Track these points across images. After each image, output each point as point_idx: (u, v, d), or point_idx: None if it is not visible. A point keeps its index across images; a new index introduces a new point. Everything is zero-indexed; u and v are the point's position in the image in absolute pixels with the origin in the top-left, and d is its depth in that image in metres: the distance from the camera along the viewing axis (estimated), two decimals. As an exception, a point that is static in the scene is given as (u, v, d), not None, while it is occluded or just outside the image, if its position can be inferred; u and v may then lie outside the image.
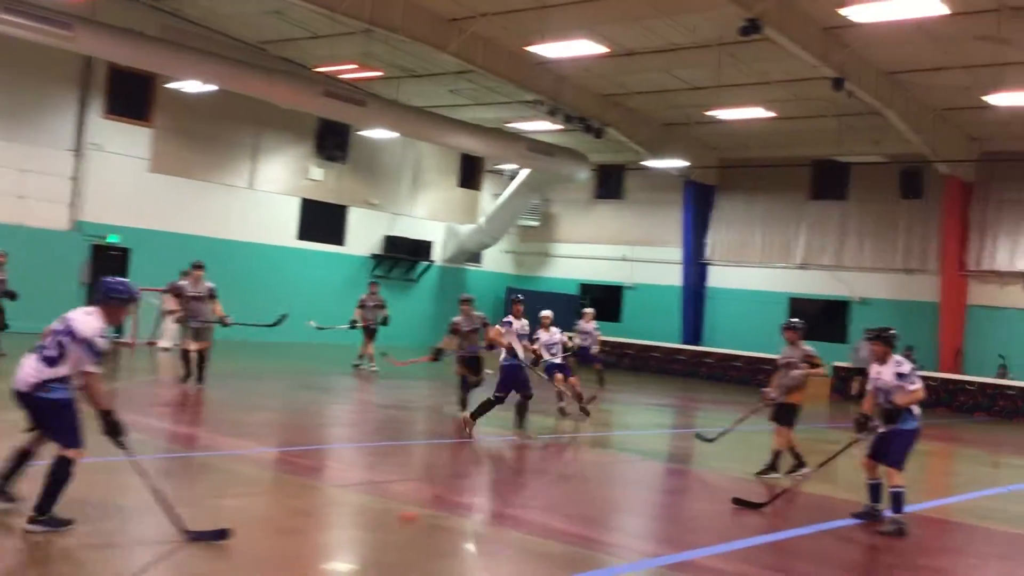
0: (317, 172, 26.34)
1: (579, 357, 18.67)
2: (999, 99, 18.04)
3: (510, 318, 12.40)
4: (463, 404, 12.65)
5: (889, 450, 8.12)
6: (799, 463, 10.29)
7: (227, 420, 11.62)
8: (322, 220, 26.65)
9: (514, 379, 11.65)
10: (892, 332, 8.44)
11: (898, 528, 7.88)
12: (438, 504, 7.84)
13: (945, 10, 14.36)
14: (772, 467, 10.39)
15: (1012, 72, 17.89)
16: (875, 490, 8.39)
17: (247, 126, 24.47)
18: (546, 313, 14.80)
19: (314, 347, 22.49)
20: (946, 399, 22.32)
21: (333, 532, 7.01)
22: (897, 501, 7.99)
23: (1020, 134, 22.25)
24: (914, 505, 9.59)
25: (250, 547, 6.16)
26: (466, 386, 12.89)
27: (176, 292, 14.39)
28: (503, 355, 11.78)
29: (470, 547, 6.92)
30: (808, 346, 10.59)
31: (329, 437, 11.56)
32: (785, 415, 10.49)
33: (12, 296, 15.41)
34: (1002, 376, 21.93)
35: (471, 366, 13.02)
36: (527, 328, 12.73)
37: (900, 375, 8.08)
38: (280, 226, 25.58)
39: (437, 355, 13.51)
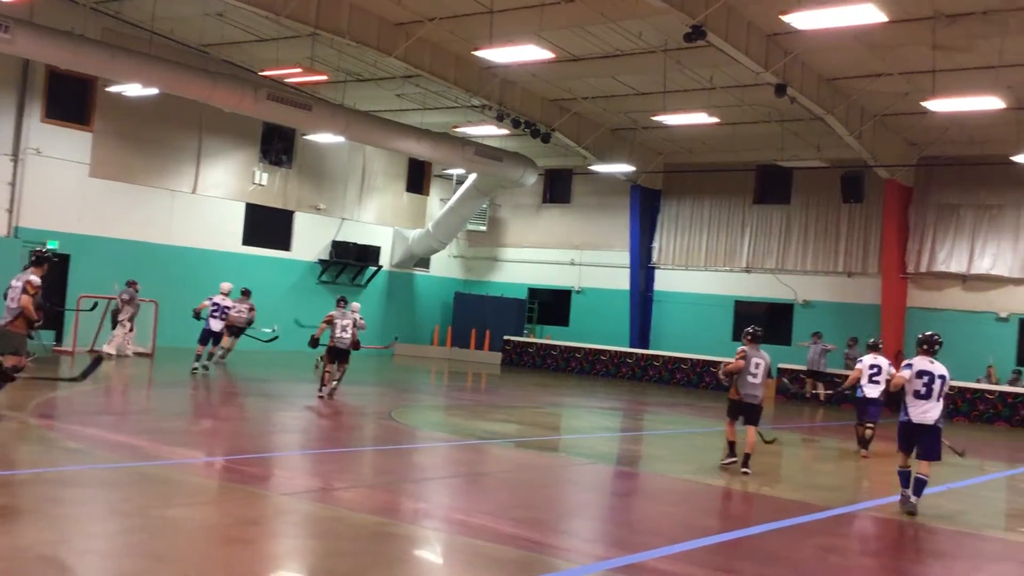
0: (262, 177, 26.06)
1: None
2: (937, 105, 18.46)
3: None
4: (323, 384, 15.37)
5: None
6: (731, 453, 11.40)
7: (171, 429, 11.42)
8: (268, 225, 26.37)
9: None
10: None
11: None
12: (388, 511, 7.79)
13: (883, 18, 14.64)
14: (747, 464, 11.17)
15: (948, 78, 18.33)
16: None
17: (190, 130, 24.13)
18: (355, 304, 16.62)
19: (262, 354, 22.22)
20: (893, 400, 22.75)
21: (281, 541, 6.92)
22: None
23: (957, 139, 22.82)
24: (859, 504, 9.77)
25: (196, 557, 6.06)
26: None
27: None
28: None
29: (421, 554, 6.89)
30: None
31: (276, 445, 11.42)
32: (758, 415, 11.56)
33: None
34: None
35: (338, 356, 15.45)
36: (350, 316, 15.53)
37: None
38: (225, 231, 25.25)
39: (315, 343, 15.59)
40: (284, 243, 26.97)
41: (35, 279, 10.59)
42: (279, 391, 17.06)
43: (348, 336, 15.32)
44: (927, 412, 9.35)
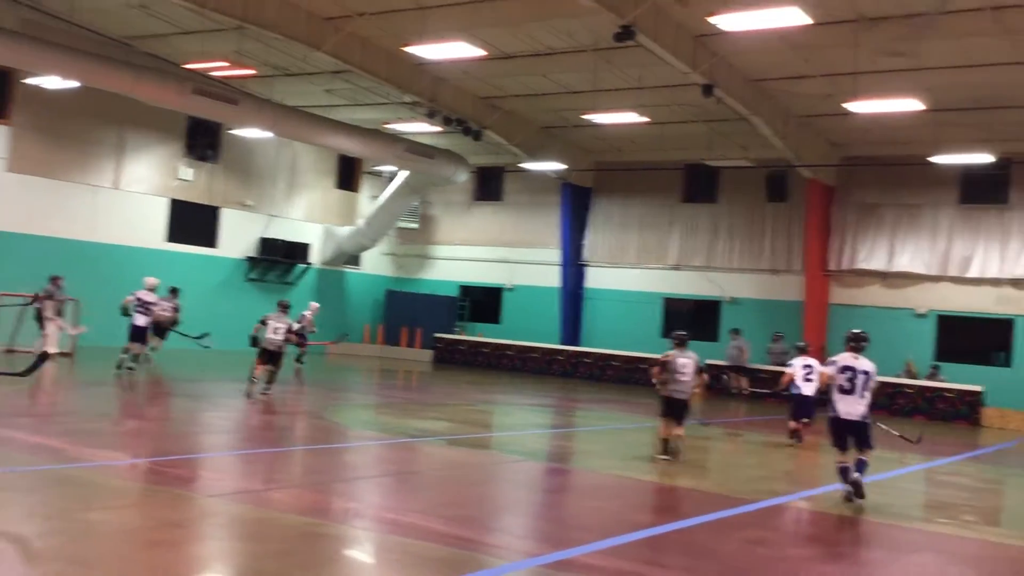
0: (187, 172, 25.56)
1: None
2: (858, 106, 18.94)
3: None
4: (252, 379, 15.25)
5: None
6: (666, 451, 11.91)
7: (93, 430, 11.13)
8: (193, 221, 25.87)
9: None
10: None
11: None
12: (317, 511, 7.71)
13: (808, 20, 14.98)
14: (666, 451, 11.84)
15: (870, 80, 18.81)
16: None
17: (112, 124, 23.55)
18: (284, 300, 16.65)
19: (185, 353, 21.78)
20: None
21: (207, 543, 6.79)
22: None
23: (878, 140, 23.45)
24: (784, 496, 9.97)
25: (119, 561, 5.91)
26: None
27: None
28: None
29: (351, 554, 6.83)
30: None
31: (203, 445, 11.21)
32: (684, 411, 12.11)
33: None
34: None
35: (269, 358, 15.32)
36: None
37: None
38: (148, 228, 24.70)
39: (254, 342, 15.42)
40: (210, 240, 26.48)
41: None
42: (207, 391, 16.75)
43: (278, 338, 15.16)
44: (852, 407, 9.65)
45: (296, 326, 15.62)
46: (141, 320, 17.44)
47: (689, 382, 11.90)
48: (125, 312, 17.49)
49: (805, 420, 14.56)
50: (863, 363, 9.72)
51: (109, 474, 8.68)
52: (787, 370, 14.27)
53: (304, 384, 19.49)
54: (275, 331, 15.15)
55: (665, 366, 11.91)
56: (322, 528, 7.11)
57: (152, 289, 17.92)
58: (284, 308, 15.79)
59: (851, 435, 9.74)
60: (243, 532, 7.04)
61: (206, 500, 7.93)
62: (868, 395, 9.70)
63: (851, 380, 9.66)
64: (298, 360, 21.98)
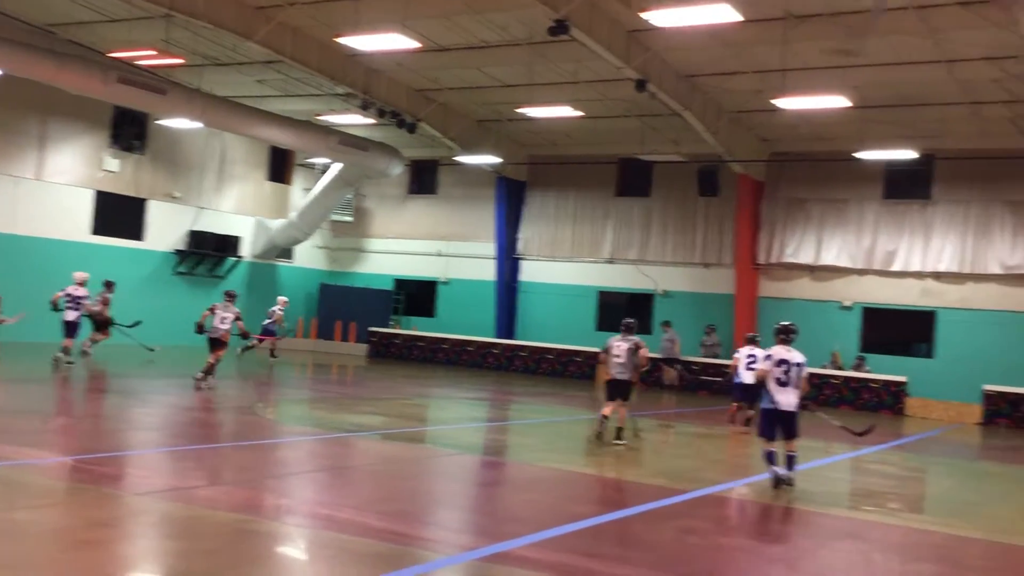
0: (113, 163, 24.94)
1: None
2: (787, 103, 19.28)
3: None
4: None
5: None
6: (619, 435, 12.65)
7: (15, 428, 10.80)
8: (119, 213, 25.27)
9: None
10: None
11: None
12: (249, 508, 7.59)
13: (738, 17, 15.19)
14: (619, 436, 12.61)
15: (798, 77, 19.17)
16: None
17: (34, 113, 22.87)
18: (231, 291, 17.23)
19: (124, 349, 21.28)
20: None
21: (136, 542, 6.65)
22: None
23: (806, 136, 23.92)
24: (715, 486, 10.13)
25: (44, 562, 5.75)
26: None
27: None
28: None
29: (284, 550, 6.74)
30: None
31: (129, 443, 10.96)
32: (626, 390, 12.96)
33: None
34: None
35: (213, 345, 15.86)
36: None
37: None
38: (72, 220, 24.05)
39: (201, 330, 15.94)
40: (136, 232, 25.90)
41: None
42: (136, 387, 16.39)
43: (223, 327, 15.70)
44: (789, 398, 9.96)
45: (266, 321, 16.05)
46: (71, 315, 17.47)
47: (625, 363, 12.81)
48: (55, 307, 17.40)
49: (749, 407, 15.31)
50: (795, 355, 10.02)
51: (34, 473, 8.44)
52: (733, 359, 15.74)
53: (238, 379, 19.19)
54: (222, 320, 15.65)
55: (607, 350, 13.01)
56: (254, 525, 7.01)
57: (82, 283, 17.80)
58: (231, 297, 16.29)
59: (781, 425, 10.01)
60: (172, 530, 6.90)
61: (134, 498, 7.76)
62: (800, 386, 9.99)
63: (787, 372, 9.94)
64: (243, 350, 22.50)
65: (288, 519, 7.45)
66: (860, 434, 11.98)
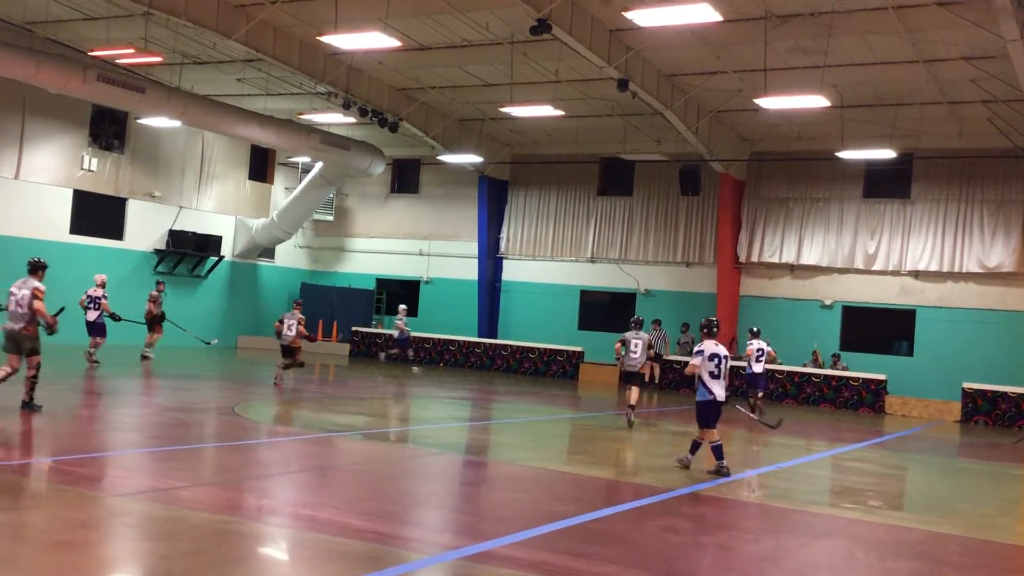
0: (92, 162, 24.76)
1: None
2: (767, 102, 19.37)
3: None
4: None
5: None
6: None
7: (-8, 430, 10.70)
8: (98, 213, 25.09)
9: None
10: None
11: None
12: (230, 508, 7.55)
13: (718, 17, 15.25)
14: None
15: (779, 77, 19.26)
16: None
17: (12, 112, 22.68)
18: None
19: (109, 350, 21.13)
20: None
21: (116, 544, 6.60)
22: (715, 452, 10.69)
23: (787, 135, 24.04)
24: (697, 485, 10.16)
25: (22, 563, 5.70)
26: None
27: None
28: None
29: (266, 551, 6.71)
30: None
31: (109, 443, 10.88)
32: (640, 379, 15.37)
33: None
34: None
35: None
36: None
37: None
38: (51, 219, 23.86)
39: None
40: (116, 232, 25.72)
41: (41, 285, 11.72)
42: (117, 387, 16.28)
43: (291, 334, 17.21)
44: (723, 390, 10.59)
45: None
46: (92, 315, 18.79)
47: (639, 357, 14.76)
48: (85, 308, 18.78)
49: (760, 393, 18.17)
50: (722, 349, 10.67)
51: (9, 474, 8.36)
52: (748, 349, 18.05)
53: (222, 380, 19.10)
54: (289, 327, 17.32)
55: (624, 343, 14.75)
56: (235, 526, 6.97)
57: (101, 285, 18.95)
58: (297, 305, 17.91)
59: (716, 415, 10.67)
60: (152, 531, 6.85)
61: (114, 499, 7.71)
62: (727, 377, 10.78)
63: (718, 366, 10.55)
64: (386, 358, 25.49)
65: (270, 520, 7.41)
66: (773, 427, 13.51)
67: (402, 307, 25.16)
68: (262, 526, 7.19)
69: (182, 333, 22.05)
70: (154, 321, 20.48)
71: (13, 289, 11.71)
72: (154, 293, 20.67)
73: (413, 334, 28.64)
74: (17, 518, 6.84)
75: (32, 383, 11.51)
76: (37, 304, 11.45)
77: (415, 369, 24.62)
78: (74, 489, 7.93)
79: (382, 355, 25.91)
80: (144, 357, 20.16)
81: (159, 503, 7.55)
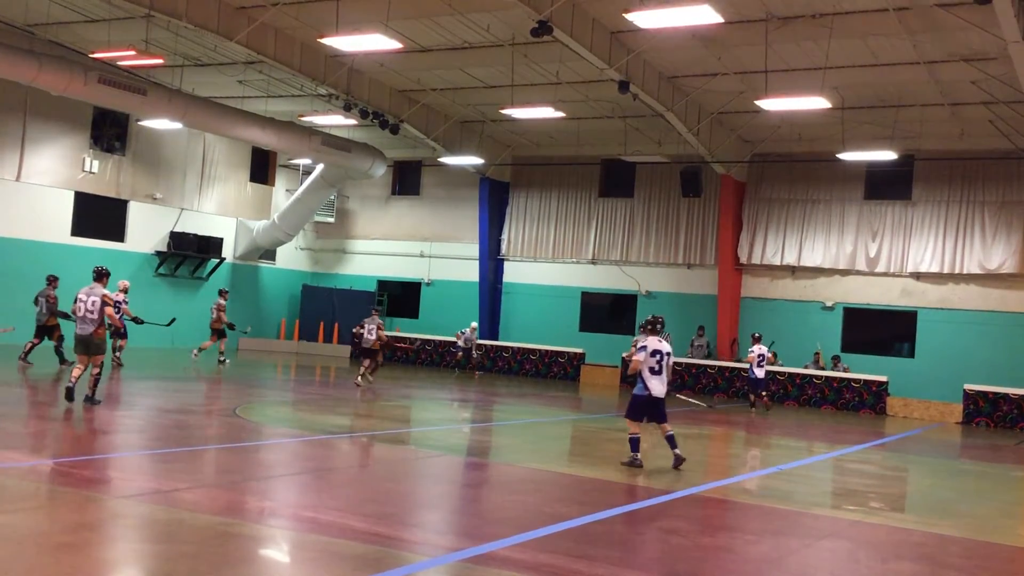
0: (93, 164, 24.78)
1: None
2: (768, 104, 19.37)
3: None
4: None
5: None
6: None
7: (-6, 432, 10.70)
8: (99, 215, 25.11)
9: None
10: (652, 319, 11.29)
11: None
12: (232, 510, 7.55)
13: (719, 19, 15.25)
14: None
15: (779, 78, 19.26)
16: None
17: (14, 114, 22.71)
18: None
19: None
20: (723, 386, 23.83)
21: (117, 545, 6.60)
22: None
23: (787, 137, 24.03)
24: (698, 486, 10.16)
25: (24, 566, 5.70)
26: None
27: None
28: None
29: (267, 553, 6.71)
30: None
31: (111, 445, 10.89)
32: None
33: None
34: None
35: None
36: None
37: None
38: (52, 221, 23.89)
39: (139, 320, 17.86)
40: (118, 234, 25.74)
41: (110, 292, 12.83)
42: (119, 389, 16.27)
43: (372, 338, 18.86)
44: (662, 386, 10.71)
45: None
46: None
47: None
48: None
49: (764, 394, 20.37)
50: (665, 345, 10.84)
51: (11, 476, 8.36)
52: (750, 355, 19.91)
53: (220, 380, 19.11)
54: (369, 331, 19.01)
55: (636, 344, 14.92)
56: (236, 528, 6.97)
57: (124, 290, 19.12)
58: (377, 311, 20.02)
59: (651, 411, 10.81)
60: (154, 533, 6.85)
61: (115, 501, 7.71)
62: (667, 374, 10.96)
63: (660, 362, 10.72)
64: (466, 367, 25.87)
65: (271, 521, 7.41)
66: (711, 407, 13.61)
67: (473, 324, 26.14)
68: (263, 528, 7.19)
69: (182, 334, 22.07)
70: (220, 329, 21.45)
71: (81, 296, 12.61)
72: (221, 302, 21.73)
73: (413, 335, 28.70)
74: (19, 520, 6.84)
75: (96, 380, 12.71)
76: (108, 310, 12.61)
77: (477, 373, 25.73)
78: (75, 491, 7.93)
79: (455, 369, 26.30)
80: (220, 362, 21.37)
81: (161, 505, 7.55)
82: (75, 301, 12.65)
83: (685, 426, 16.53)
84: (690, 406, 16.74)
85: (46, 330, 17.98)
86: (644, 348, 10.77)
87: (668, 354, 10.88)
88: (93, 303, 12.50)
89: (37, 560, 5.92)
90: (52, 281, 18.13)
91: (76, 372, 12.66)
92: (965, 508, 10.50)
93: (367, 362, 19.11)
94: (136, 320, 19.00)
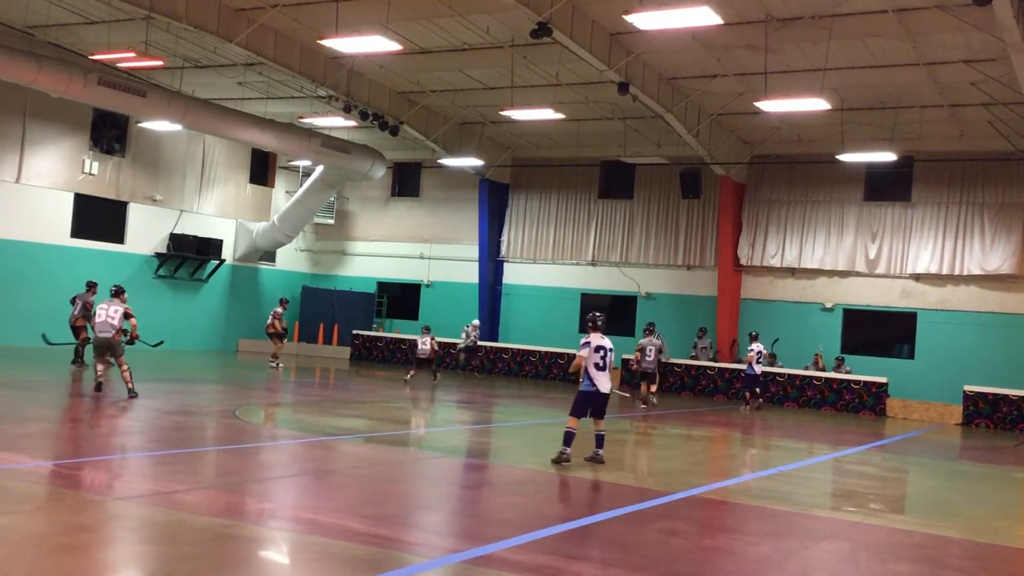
0: (93, 166, 24.78)
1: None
2: (768, 105, 19.37)
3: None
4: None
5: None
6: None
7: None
8: (99, 217, 25.11)
9: None
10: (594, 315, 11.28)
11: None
12: (231, 512, 7.55)
13: (718, 20, 15.26)
14: (646, 402, 17.43)
15: (779, 80, 19.26)
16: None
17: (14, 116, 22.72)
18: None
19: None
20: (723, 387, 23.82)
21: (117, 547, 6.59)
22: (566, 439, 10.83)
23: (787, 138, 24.04)
24: (698, 488, 10.16)
25: (22, 567, 5.69)
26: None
27: None
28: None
29: (266, 554, 6.71)
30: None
31: (110, 447, 10.88)
32: (653, 377, 20.05)
33: None
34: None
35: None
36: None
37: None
38: (52, 223, 23.89)
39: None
40: (117, 236, 25.74)
41: (128, 307, 14.53)
42: (120, 390, 16.26)
43: (427, 347, 21.05)
44: (606, 382, 10.78)
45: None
46: None
47: (652, 360, 19.25)
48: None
49: (758, 391, 21.05)
50: (607, 341, 10.90)
51: (10, 477, 8.36)
52: (749, 353, 20.88)
53: (222, 383, 19.12)
54: (423, 343, 21.23)
55: (641, 350, 19.26)
56: (236, 529, 6.97)
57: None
58: (426, 330, 21.71)
59: (595, 406, 10.86)
60: (153, 535, 6.85)
61: (114, 503, 7.70)
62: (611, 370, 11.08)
63: (604, 358, 10.77)
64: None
65: (270, 523, 7.41)
66: (631, 397, 16.17)
67: (475, 321, 26.74)
68: (263, 530, 7.19)
69: (182, 336, 22.07)
70: (278, 335, 22.76)
71: (103, 306, 14.41)
72: (279, 311, 22.94)
73: (413, 337, 28.68)
74: (18, 521, 6.84)
75: (130, 375, 14.23)
76: (133, 321, 14.48)
77: (476, 374, 26.29)
78: (75, 493, 7.93)
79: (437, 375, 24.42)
80: (273, 367, 22.33)
81: (160, 507, 7.55)
82: (93, 313, 14.28)
83: (685, 427, 16.52)
84: (626, 400, 18.37)
85: (75, 330, 18.74)
86: (588, 344, 10.81)
87: (611, 350, 10.97)
88: (115, 311, 14.26)
89: (36, 562, 5.92)
90: (92, 287, 18.92)
91: (100, 368, 14.40)
92: (965, 509, 10.49)
93: (419, 370, 21.66)
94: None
